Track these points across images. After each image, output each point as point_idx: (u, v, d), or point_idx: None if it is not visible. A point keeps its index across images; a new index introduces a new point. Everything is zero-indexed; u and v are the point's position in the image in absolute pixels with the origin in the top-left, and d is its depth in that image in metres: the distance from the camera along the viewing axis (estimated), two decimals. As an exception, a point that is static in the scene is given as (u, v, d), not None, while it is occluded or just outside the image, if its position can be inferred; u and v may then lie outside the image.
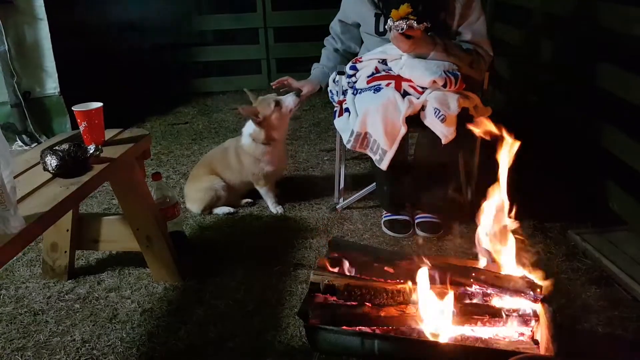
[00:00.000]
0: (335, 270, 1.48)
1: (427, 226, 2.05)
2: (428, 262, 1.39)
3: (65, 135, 1.75)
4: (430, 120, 1.83)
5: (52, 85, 3.24)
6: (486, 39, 2.00)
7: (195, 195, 2.27)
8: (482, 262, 1.48)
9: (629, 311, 1.58)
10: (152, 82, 3.97)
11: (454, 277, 1.40)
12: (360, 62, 2.06)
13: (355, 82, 2.04)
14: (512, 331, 1.36)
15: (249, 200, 2.35)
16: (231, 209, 2.29)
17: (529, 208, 1.51)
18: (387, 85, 1.92)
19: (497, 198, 1.43)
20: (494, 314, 1.35)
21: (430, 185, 2.08)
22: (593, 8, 2.26)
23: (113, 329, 1.59)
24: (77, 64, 3.38)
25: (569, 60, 2.59)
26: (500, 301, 1.38)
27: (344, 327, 1.36)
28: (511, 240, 1.42)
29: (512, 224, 1.40)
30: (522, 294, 1.34)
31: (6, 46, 3.05)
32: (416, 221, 2.07)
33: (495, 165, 1.45)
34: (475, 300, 1.39)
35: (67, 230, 1.78)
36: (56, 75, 3.21)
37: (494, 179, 1.45)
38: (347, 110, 2.00)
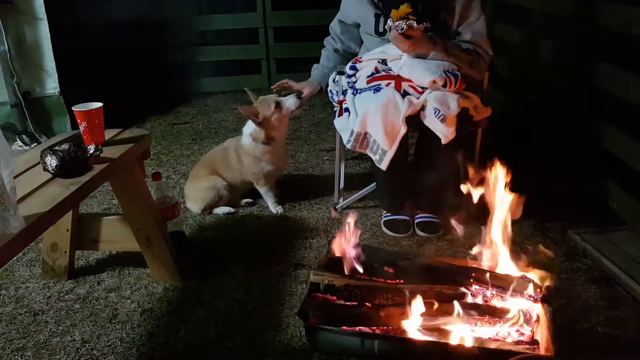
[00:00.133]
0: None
1: (427, 226, 2.05)
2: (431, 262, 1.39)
3: (65, 135, 1.75)
4: (430, 120, 1.83)
5: (52, 85, 3.24)
6: (486, 39, 2.00)
7: (196, 195, 2.27)
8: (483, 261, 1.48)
9: (629, 311, 1.58)
10: (152, 82, 3.97)
11: (454, 277, 1.40)
12: (360, 62, 2.06)
13: (355, 82, 2.04)
14: (512, 331, 1.35)
15: (249, 200, 2.35)
16: (231, 209, 2.29)
17: (529, 208, 1.51)
18: (387, 85, 1.92)
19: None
20: (494, 314, 1.35)
21: (430, 185, 2.08)
22: (593, 8, 2.26)
23: (113, 329, 1.59)
24: (77, 64, 3.38)
25: (568, 60, 2.59)
26: (501, 301, 1.38)
27: (344, 327, 1.36)
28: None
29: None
30: (522, 294, 1.34)
31: (6, 46, 3.05)
32: (416, 221, 2.07)
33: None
34: (475, 300, 1.39)
35: (67, 230, 1.78)
36: (56, 75, 3.21)
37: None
38: (347, 110, 2.00)
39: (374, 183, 2.24)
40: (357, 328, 1.37)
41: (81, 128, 1.59)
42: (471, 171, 1.52)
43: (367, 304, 1.39)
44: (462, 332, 1.34)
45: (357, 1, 2.07)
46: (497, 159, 1.48)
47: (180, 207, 2.09)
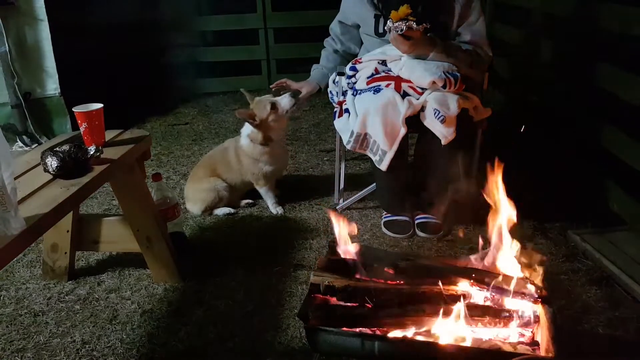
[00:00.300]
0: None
1: (427, 227, 2.05)
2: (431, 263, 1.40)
3: (65, 136, 1.76)
4: (430, 121, 1.83)
5: (52, 86, 3.25)
6: (485, 40, 2.00)
7: (196, 196, 2.27)
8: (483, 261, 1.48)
9: (630, 312, 1.58)
10: (152, 83, 3.97)
11: (454, 278, 1.40)
12: (360, 63, 2.06)
13: (355, 82, 2.05)
14: (513, 332, 1.36)
15: (249, 201, 2.35)
16: (231, 210, 2.29)
17: (529, 208, 1.51)
18: (387, 86, 1.92)
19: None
20: (495, 315, 1.35)
21: (430, 186, 2.08)
22: (592, 8, 2.27)
23: (113, 330, 1.59)
24: (77, 65, 3.38)
25: (568, 61, 2.59)
26: (501, 302, 1.38)
27: (344, 328, 1.36)
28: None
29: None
30: (523, 295, 1.35)
31: (7, 47, 3.05)
32: (416, 222, 2.08)
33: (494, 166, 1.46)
34: (476, 301, 1.40)
35: (68, 231, 1.78)
36: (57, 76, 3.22)
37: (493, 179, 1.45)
38: (347, 111, 2.01)
39: (374, 184, 2.24)
40: (357, 329, 1.37)
41: (82, 129, 1.59)
42: (471, 172, 1.53)
43: (367, 305, 1.39)
44: (462, 333, 1.34)
45: (357, 2, 2.07)
46: (496, 160, 1.48)
47: (181, 208, 2.09)
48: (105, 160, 1.52)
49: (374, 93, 1.91)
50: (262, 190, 2.29)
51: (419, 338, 1.34)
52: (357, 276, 1.46)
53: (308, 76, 2.31)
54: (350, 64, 2.09)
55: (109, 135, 1.71)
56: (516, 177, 1.49)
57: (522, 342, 1.33)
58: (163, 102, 3.95)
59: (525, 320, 1.33)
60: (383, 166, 1.87)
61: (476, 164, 2.10)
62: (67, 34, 3.31)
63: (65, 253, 1.80)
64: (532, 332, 1.35)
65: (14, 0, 3.02)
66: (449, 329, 1.34)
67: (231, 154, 2.28)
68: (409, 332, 1.35)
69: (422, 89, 1.89)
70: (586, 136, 2.34)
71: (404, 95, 1.88)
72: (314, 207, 2.31)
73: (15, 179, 1.23)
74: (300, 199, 2.37)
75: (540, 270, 1.40)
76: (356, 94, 2.01)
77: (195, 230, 2.17)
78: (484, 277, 1.40)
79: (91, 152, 1.47)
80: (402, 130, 1.83)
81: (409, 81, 1.91)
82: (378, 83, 1.94)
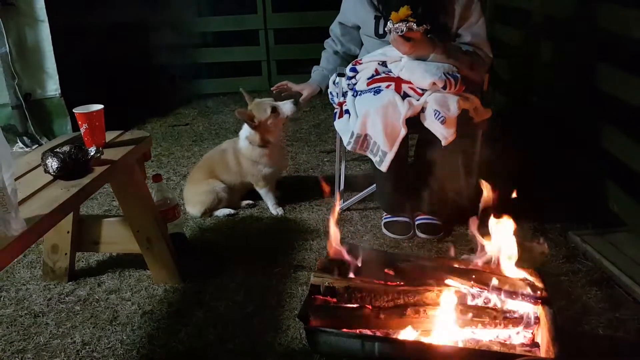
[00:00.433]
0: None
1: (428, 228, 2.05)
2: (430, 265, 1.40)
3: (66, 137, 1.76)
4: (430, 122, 1.83)
5: (53, 87, 3.25)
6: (486, 41, 2.00)
7: (195, 198, 2.27)
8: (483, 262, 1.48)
9: (630, 313, 1.57)
10: (152, 84, 3.97)
11: (454, 279, 1.40)
12: (360, 64, 2.06)
13: (355, 84, 2.05)
14: (513, 333, 1.36)
15: (250, 201, 2.35)
16: (231, 211, 2.29)
17: (529, 209, 1.51)
18: (387, 87, 1.92)
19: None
20: (495, 316, 1.35)
21: (430, 187, 2.08)
22: (592, 10, 2.27)
23: (113, 331, 1.59)
24: (77, 66, 3.38)
25: (568, 61, 2.59)
26: (501, 303, 1.38)
27: (345, 330, 1.36)
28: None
29: None
30: (523, 296, 1.34)
31: (7, 48, 3.06)
32: (416, 223, 2.08)
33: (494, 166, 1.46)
34: (476, 302, 1.39)
35: (68, 232, 1.78)
36: (57, 77, 3.22)
37: (493, 180, 1.46)
38: (347, 112, 2.01)
39: (374, 185, 2.24)
40: (357, 330, 1.37)
41: (82, 130, 1.59)
42: (471, 173, 1.53)
43: (368, 306, 1.39)
44: (462, 334, 1.34)
45: (357, 3, 2.07)
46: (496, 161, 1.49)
47: (181, 209, 2.09)
48: (106, 161, 1.52)
49: (374, 94, 1.91)
50: (262, 191, 2.29)
51: (419, 339, 1.34)
52: (351, 276, 1.47)
53: (308, 77, 2.31)
54: (350, 65, 2.09)
55: (110, 136, 1.71)
56: (516, 178, 1.49)
57: (522, 343, 1.33)
58: (163, 103, 3.95)
59: (526, 321, 1.33)
60: (383, 167, 1.87)
61: (476, 165, 2.10)
62: (68, 35, 3.32)
63: (66, 254, 1.80)
64: (532, 333, 1.35)
65: (14, 1, 3.03)
66: (449, 330, 1.34)
67: (230, 155, 2.28)
68: (409, 333, 1.35)
69: (423, 90, 1.89)
70: (586, 137, 2.34)
71: (404, 96, 1.89)
72: (314, 208, 2.31)
73: (15, 180, 1.23)
74: (301, 200, 2.37)
75: (540, 265, 1.39)
76: (356, 95, 2.01)
77: (195, 231, 2.17)
78: (484, 278, 1.40)
79: (91, 153, 1.47)
80: (403, 131, 1.83)
81: (409, 82, 1.91)
82: (378, 84, 1.94)
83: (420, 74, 1.87)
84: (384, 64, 2.00)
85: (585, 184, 2.27)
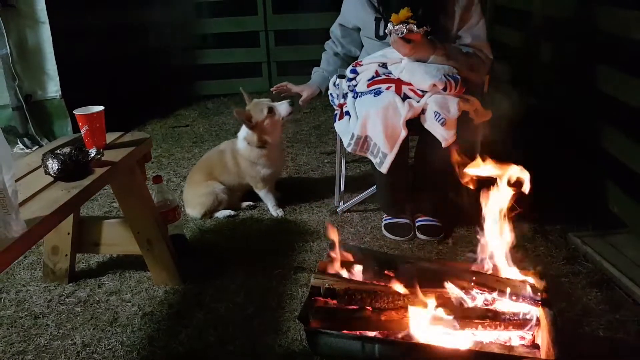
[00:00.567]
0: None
1: (428, 229, 2.05)
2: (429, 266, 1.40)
3: (66, 139, 1.76)
4: (431, 124, 1.83)
5: (53, 89, 3.25)
6: (486, 43, 2.00)
7: (195, 200, 2.27)
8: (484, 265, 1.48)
9: (630, 314, 1.57)
10: (153, 85, 3.98)
11: (455, 280, 1.40)
12: (361, 65, 2.06)
13: (356, 85, 2.05)
14: (513, 335, 1.35)
15: (250, 203, 2.35)
16: (232, 212, 2.29)
17: (529, 211, 1.51)
18: (387, 88, 1.92)
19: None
20: (495, 318, 1.35)
21: (430, 188, 2.08)
22: (592, 11, 2.27)
23: (114, 332, 1.59)
24: (78, 67, 3.39)
25: (568, 63, 2.59)
26: (501, 305, 1.38)
27: (345, 331, 1.36)
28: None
29: None
30: (523, 298, 1.34)
31: (8, 49, 3.06)
32: (417, 224, 2.08)
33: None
34: (476, 304, 1.39)
35: (68, 234, 1.78)
36: (58, 78, 3.22)
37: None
38: (347, 113, 2.01)
39: (375, 186, 2.24)
40: (357, 332, 1.37)
41: (82, 131, 1.60)
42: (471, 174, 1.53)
43: (368, 307, 1.39)
44: (463, 335, 1.34)
45: (358, 5, 2.07)
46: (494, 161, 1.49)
47: (181, 210, 2.09)
48: (106, 162, 1.52)
49: (374, 96, 1.91)
50: (262, 192, 2.29)
51: (419, 340, 1.34)
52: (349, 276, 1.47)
53: (309, 79, 2.31)
54: (350, 67, 2.09)
55: (110, 137, 1.71)
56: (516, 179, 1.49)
57: (522, 345, 1.33)
58: (163, 105, 3.96)
59: (526, 323, 1.33)
60: (383, 169, 1.87)
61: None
62: (68, 37, 3.32)
63: (66, 255, 1.80)
64: (532, 334, 1.35)
65: (15, 2, 3.03)
66: (448, 331, 1.34)
67: (228, 156, 2.28)
68: (409, 335, 1.35)
69: (423, 91, 1.89)
70: (586, 138, 2.34)
71: (405, 97, 1.89)
72: (315, 209, 2.31)
73: (16, 181, 1.23)
74: (301, 201, 2.37)
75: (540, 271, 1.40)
76: (357, 96, 2.01)
77: (195, 233, 2.17)
78: (484, 279, 1.40)
79: (92, 155, 1.47)
80: (403, 133, 1.83)
81: (410, 84, 1.91)
82: (378, 86, 1.95)
83: (420, 75, 1.88)
84: (384, 65, 2.00)
85: (585, 185, 2.27)
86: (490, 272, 1.45)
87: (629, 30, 2.00)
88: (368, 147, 1.90)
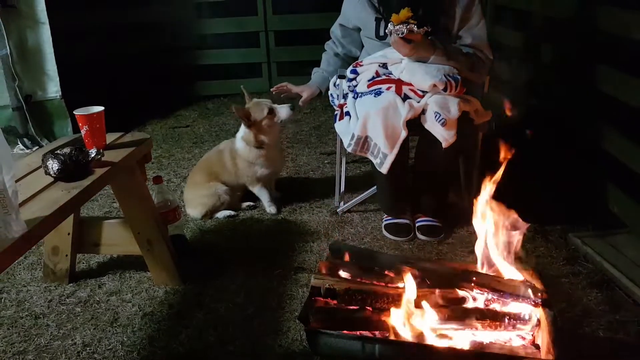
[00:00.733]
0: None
1: (428, 230, 2.05)
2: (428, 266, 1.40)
3: (66, 139, 1.76)
4: (431, 124, 1.83)
5: (53, 89, 3.25)
6: (486, 43, 2.00)
7: (197, 201, 2.26)
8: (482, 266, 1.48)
9: (630, 315, 1.57)
10: (153, 86, 3.98)
11: (455, 281, 1.40)
12: (361, 66, 2.06)
13: (356, 85, 2.05)
14: (513, 335, 1.35)
15: (250, 203, 2.35)
16: (232, 212, 2.29)
17: (529, 211, 1.51)
18: (388, 89, 1.92)
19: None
20: (495, 318, 1.35)
21: (430, 189, 2.08)
22: (592, 12, 2.27)
23: (114, 332, 1.59)
24: (78, 68, 3.39)
25: (568, 63, 2.59)
26: (501, 305, 1.38)
27: (345, 331, 1.36)
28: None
29: None
30: (523, 298, 1.34)
31: (8, 50, 3.06)
32: (417, 225, 2.08)
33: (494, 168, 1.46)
34: (476, 305, 1.39)
35: (68, 234, 1.78)
36: (58, 78, 3.22)
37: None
38: (347, 113, 2.01)
39: (375, 186, 2.24)
40: (357, 332, 1.37)
41: (83, 132, 1.60)
42: (471, 175, 1.53)
43: (368, 308, 1.39)
44: (463, 336, 1.34)
45: (358, 5, 2.07)
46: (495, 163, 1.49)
47: (181, 211, 2.09)
48: (106, 163, 1.52)
49: (374, 96, 1.91)
50: (256, 189, 2.29)
51: (420, 342, 1.34)
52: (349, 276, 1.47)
53: (309, 79, 2.31)
54: (351, 67, 2.09)
55: (110, 138, 1.72)
56: (516, 180, 1.49)
57: (522, 345, 1.33)
58: (164, 105, 3.96)
59: (526, 323, 1.33)
60: (384, 169, 1.87)
61: (477, 167, 2.10)
62: (68, 37, 3.33)
63: (66, 255, 1.80)
64: (532, 335, 1.35)
65: (15, 3, 3.03)
66: (449, 332, 1.34)
67: (227, 156, 2.29)
68: (409, 336, 1.35)
69: (423, 92, 1.89)
70: (586, 138, 2.34)
71: (405, 98, 1.89)
72: (315, 209, 2.31)
73: (16, 181, 1.23)
74: (301, 202, 2.37)
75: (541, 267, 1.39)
76: (357, 96, 2.01)
77: (195, 233, 2.17)
78: (484, 280, 1.40)
79: (92, 155, 1.47)
80: (403, 133, 1.83)
81: (410, 84, 1.91)
82: (379, 86, 1.95)
83: (420, 75, 1.88)
84: (384, 65, 2.00)
85: (585, 186, 2.27)
86: (490, 272, 1.45)
87: (629, 30, 2.00)
88: (368, 148, 1.90)
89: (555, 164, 2.50)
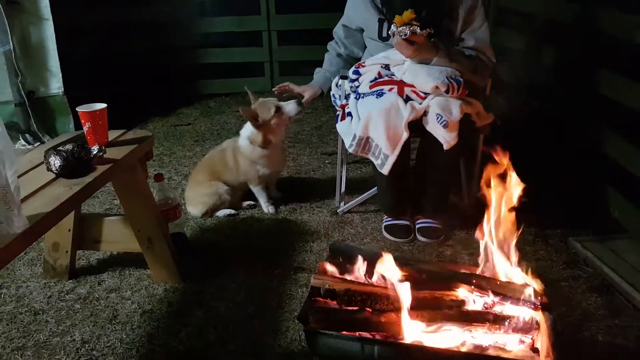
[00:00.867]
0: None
1: (428, 231, 2.05)
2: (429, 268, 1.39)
3: (69, 136, 1.76)
4: (433, 126, 1.83)
5: (56, 85, 3.25)
6: (489, 46, 2.01)
7: (198, 199, 2.26)
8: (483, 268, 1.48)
9: (630, 320, 1.57)
10: (155, 84, 3.98)
11: (455, 283, 1.40)
12: (363, 66, 2.06)
13: (358, 86, 2.05)
14: (513, 339, 1.35)
15: (251, 202, 2.35)
16: (232, 211, 2.29)
17: (530, 215, 1.51)
18: (390, 90, 1.92)
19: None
20: (495, 321, 1.35)
21: (431, 190, 2.08)
22: (594, 15, 2.27)
23: (113, 329, 1.59)
24: (81, 65, 3.39)
25: (570, 66, 2.60)
26: (501, 308, 1.38)
27: (344, 332, 1.36)
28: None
29: None
30: (523, 302, 1.34)
31: (11, 46, 3.07)
32: (417, 226, 2.08)
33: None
34: (475, 307, 1.39)
35: (69, 230, 1.79)
36: (60, 75, 3.23)
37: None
38: (349, 114, 2.01)
39: (375, 187, 2.24)
40: (357, 333, 1.37)
41: (85, 128, 1.60)
42: (472, 177, 1.53)
43: (368, 309, 1.39)
44: (462, 338, 1.34)
45: (362, 6, 2.07)
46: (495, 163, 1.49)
47: (182, 209, 2.09)
48: (108, 160, 1.52)
49: (376, 97, 1.91)
50: (255, 189, 2.29)
51: (419, 343, 1.34)
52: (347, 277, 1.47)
53: (311, 79, 2.31)
54: (353, 68, 2.09)
55: (112, 135, 1.72)
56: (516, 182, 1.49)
57: (522, 349, 1.33)
58: (165, 103, 3.96)
59: (526, 326, 1.33)
60: (385, 170, 1.87)
61: (478, 169, 2.10)
62: (72, 34, 3.33)
63: (66, 252, 1.81)
64: (532, 338, 1.35)
65: (19, -1, 3.04)
66: (448, 334, 1.34)
67: (229, 154, 2.29)
68: (409, 336, 1.35)
69: (425, 93, 1.90)
70: (587, 142, 2.34)
71: (407, 99, 1.89)
72: (315, 209, 2.31)
73: (18, 177, 1.23)
74: (301, 202, 2.37)
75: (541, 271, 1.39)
76: (359, 97, 2.01)
77: (196, 231, 2.17)
78: (484, 282, 1.40)
79: (94, 152, 1.47)
80: (405, 135, 1.83)
81: (412, 86, 1.91)
82: (381, 87, 1.95)
83: (423, 77, 1.88)
84: (387, 67, 2.01)
85: (586, 190, 2.27)
86: (490, 275, 1.45)
87: (631, 34, 2.00)
88: (369, 148, 1.90)
89: (556, 168, 2.50)
